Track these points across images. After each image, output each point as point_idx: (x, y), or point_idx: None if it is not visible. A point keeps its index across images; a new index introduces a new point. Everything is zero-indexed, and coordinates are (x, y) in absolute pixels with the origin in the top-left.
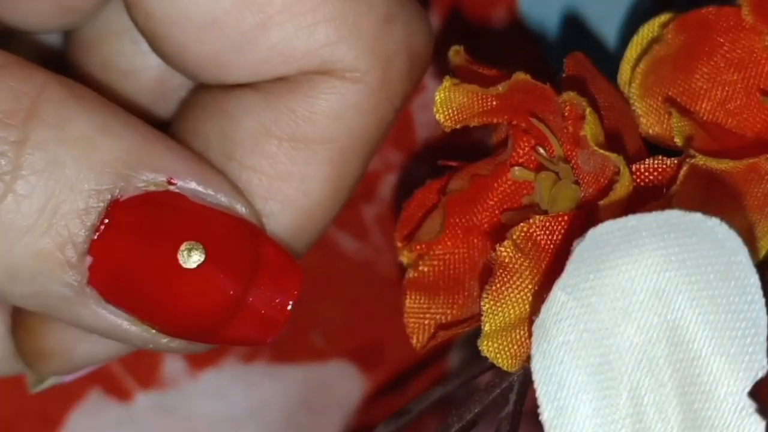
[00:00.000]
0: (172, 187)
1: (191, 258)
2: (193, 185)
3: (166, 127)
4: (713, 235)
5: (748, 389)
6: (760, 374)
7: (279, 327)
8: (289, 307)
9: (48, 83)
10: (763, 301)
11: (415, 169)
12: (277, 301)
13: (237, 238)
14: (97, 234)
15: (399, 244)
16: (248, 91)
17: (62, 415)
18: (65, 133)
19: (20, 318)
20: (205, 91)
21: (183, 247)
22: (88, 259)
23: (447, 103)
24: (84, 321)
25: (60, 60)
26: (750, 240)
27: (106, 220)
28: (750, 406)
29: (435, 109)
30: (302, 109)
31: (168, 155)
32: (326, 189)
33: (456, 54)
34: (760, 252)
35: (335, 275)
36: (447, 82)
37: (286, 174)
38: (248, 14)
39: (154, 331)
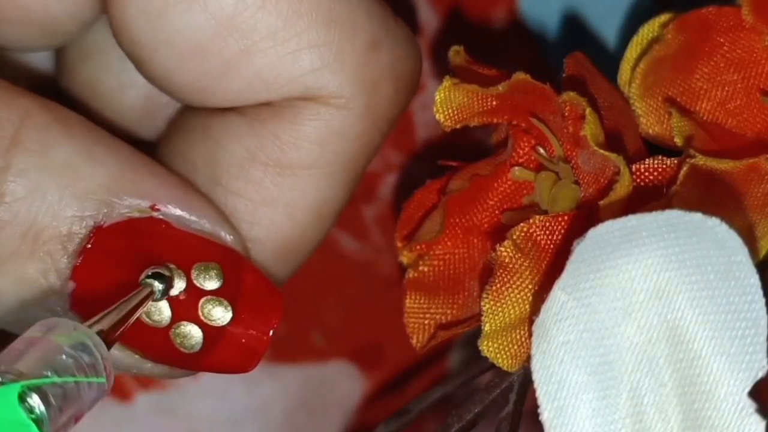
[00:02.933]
0: (155, 213)
1: (174, 285)
2: (176, 211)
3: (153, 144)
4: (713, 235)
5: (748, 389)
6: (760, 374)
7: (259, 355)
8: (270, 335)
9: (32, 109)
10: (763, 301)
11: (415, 169)
12: (257, 329)
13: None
14: (80, 260)
15: (399, 244)
16: (234, 116)
17: None
18: (48, 160)
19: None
20: (191, 112)
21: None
22: (71, 285)
23: (447, 103)
24: None
25: (50, 74)
26: (750, 240)
27: (89, 246)
28: (750, 406)
29: (435, 109)
30: (287, 135)
31: (152, 181)
32: (311, 214)
33: (456, 54)
34: (760, 252)
35: (335, 275)
36: (447, 82)
37: (271, 200)
38: (232, 41)
39: (137, 356)
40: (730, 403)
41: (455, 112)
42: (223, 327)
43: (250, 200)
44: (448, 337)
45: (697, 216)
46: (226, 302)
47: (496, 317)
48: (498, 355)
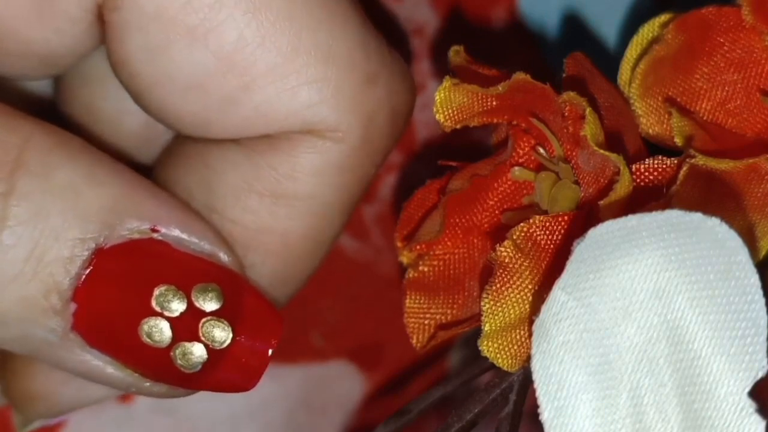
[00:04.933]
0: (155, 235)
1: (172, 306)
2: (176, 233)
3: (150, 171)
4: (713, 235)
5: (748, 389)
6: (760, 374)
7: (259, 374)
8: (270, 354)
9: (34, 132)
10: (763, 301)
11: (415, 169)
12: (257, 349)
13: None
14: (81, 281)
15: (399, 244)
16: (231, 147)
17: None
18: (51, 183)
19: (6, 360)
20: (187, 141)
21: (163, 292)
22: (72, 306)
23: (447, 103)
24: (68, 365)
25: (49, 99)
26: (750, 240)
27: (91, 267)
28: (750, 406)
29: (435, 109)
30: (284, 167)
31: (152, 203)
32: (307, 243)
33: (456, 54)
34: (760, 252)
35: (335, 275)
36: (447, 82)
37: (267, 228)
38: (232, 77)
39: (137, 375)
40: (730, 403)
41: (455, 112)
42: (223, 347)
43: (246, 228)
44: (448, 337)
45: (697, 216)
46: (225, 323)
47: (496, 317)
48: (498, 355)
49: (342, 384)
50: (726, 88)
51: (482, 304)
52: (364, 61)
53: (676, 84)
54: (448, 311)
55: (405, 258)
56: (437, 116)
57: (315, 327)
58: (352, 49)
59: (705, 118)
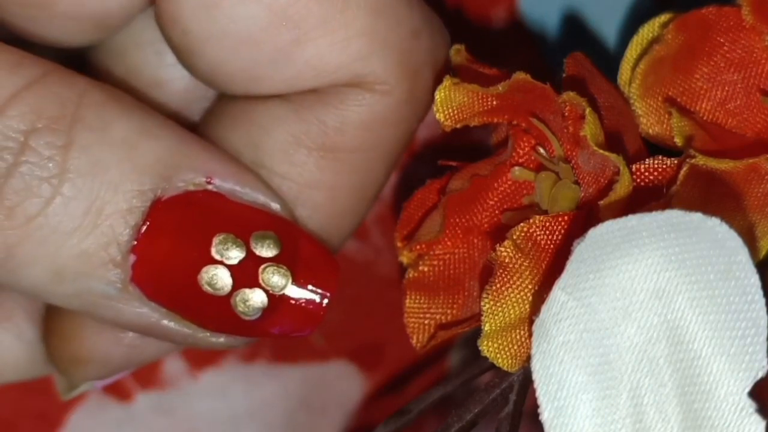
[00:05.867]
0: (210, 186)
1: (231, 254)
2: (230, 184)
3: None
4: (713, 235)
5: (748, 389)
6: (760, 374)
7: (318, 319)
8: (327, 301)
9: (88, 88)
10: (763, 301)
11: (415, 169)
12: (315, 293)
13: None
14: (140, 233)
15: (399, 244)
16: (277, 102)
17: (62, 416)
18: (108, 136)
19: (54, 324)
20: (230, 101)
21: (221, 240)
22: (132, 258)
23: (447, 103)
24: (126, 319)
25: (82, 67)
26: (750, 240)
27: (149, 219)
28: (750, 406)
29: (435, 109)
30: (332, 120)
31: (205, 155)
32: (353, 197)
33: (456, 53)
34: (760, 252)
35: None
36: (447, 81)
37: (314, 182)
38: (284, 31)
39: (195, 326)
40: (730, 403)
41: (455, 111)
42: (282, 293)
43: (294, 182)
44: (448, 337)
45: (697, 216)
46: (284, 268)
47: (496, 317)
48: (498, 355)
49: (342, 384)
50: (726, 88)
51: (482, 304)
52: (409, 16)
53: (676, 84)
54: (448, 311)
55: (405, 258)
56: (437, 116)
57: None
58: (396, 4)
59: (705, 118)
